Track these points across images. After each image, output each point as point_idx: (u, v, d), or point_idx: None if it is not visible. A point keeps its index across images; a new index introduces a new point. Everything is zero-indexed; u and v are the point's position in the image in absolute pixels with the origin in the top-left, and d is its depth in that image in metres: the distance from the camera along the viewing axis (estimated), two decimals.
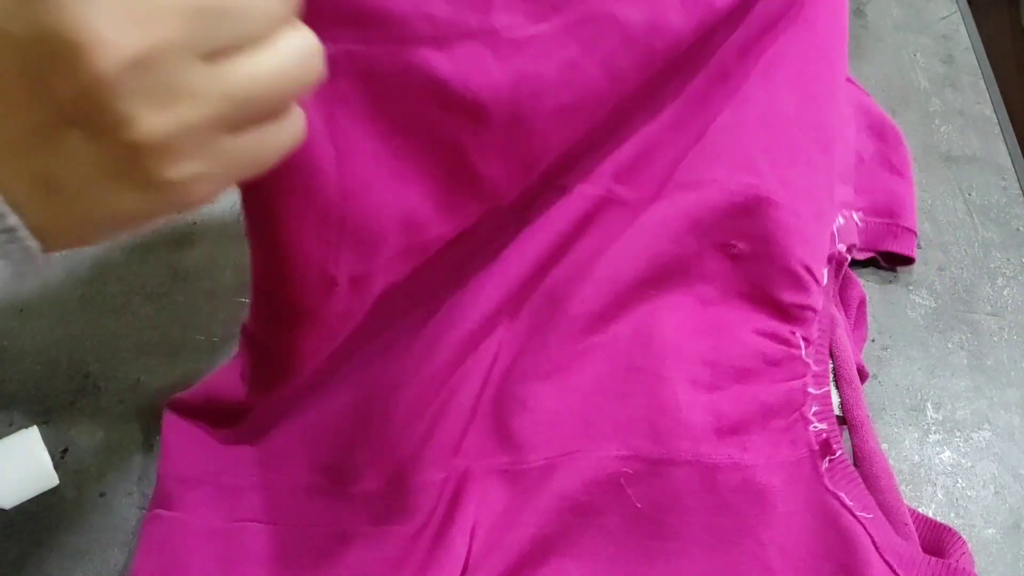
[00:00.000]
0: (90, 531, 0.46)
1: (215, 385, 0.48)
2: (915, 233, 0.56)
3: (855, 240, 0.53)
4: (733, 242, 0.46)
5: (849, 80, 0.57)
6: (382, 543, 0.42)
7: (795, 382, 0.44)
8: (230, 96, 0.21)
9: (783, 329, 0.45)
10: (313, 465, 0.45)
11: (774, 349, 0.44)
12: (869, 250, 0.55)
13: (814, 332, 0.45)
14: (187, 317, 0.53)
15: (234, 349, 0.52)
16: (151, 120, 0.20)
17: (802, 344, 0.45)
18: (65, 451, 0.48)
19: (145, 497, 0.46)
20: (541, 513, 0.43)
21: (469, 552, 0.43)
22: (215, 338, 0.53)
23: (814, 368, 0.45)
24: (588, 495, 0.43)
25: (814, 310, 0.46)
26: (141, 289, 0.55)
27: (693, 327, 0.46)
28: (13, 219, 0.21)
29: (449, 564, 0.42)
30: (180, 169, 0.21)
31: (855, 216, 0.54)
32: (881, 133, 0.58)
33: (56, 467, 0.47)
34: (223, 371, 0.49)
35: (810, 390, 0.44)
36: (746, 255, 0.45)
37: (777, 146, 0.47)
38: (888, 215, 0.55)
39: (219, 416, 0.47)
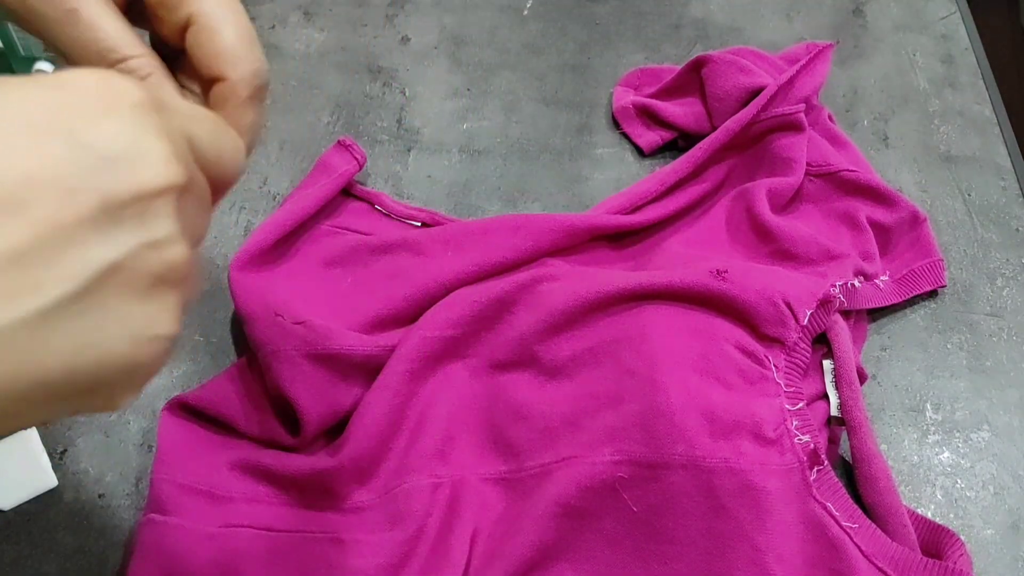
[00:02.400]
0: (88, 532, 0.46)
1: (212, 394, 0.48)
2: (942, 261, 0.57)
3: (870, 304, 0.53)
4: (721, 268, 0.47)
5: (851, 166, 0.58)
6: (378, 550, 0.42)
7: (773, 400, 0.45)
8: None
9: (758, 349, 0.46)
10: (304, 485, 0.45)
11: (749, 366, 0.45)
12: (906, 295, 0.56)
13: (783, 361, 0.46)
14: (186, 317, 0.53)
15: (233, 351, 0.52)
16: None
17: (773, 368, 0.46)
18: (64, 452, 0.48)
19: (143, 498, 0.46)
20: (539, 520, 0.43)
21: (469, 560, 0.43)
22: (214, 338, 0.53)
23: (785, 388, 0.45)
24: (584, 500, 0.43)
25: (783, 343, 0.46)
26: None
27: (681, 327, 0.46)
28: None
29: (448, 571, 0.42)
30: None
31: (879, 280, 0.55)
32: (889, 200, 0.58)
33: (55, 468, 0.47)
34: (221, 379, 0.49)
35: (786, 406, 0.44)
36: (732, 279, 0.46)
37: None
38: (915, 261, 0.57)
39: (216, 421, 0.48)
